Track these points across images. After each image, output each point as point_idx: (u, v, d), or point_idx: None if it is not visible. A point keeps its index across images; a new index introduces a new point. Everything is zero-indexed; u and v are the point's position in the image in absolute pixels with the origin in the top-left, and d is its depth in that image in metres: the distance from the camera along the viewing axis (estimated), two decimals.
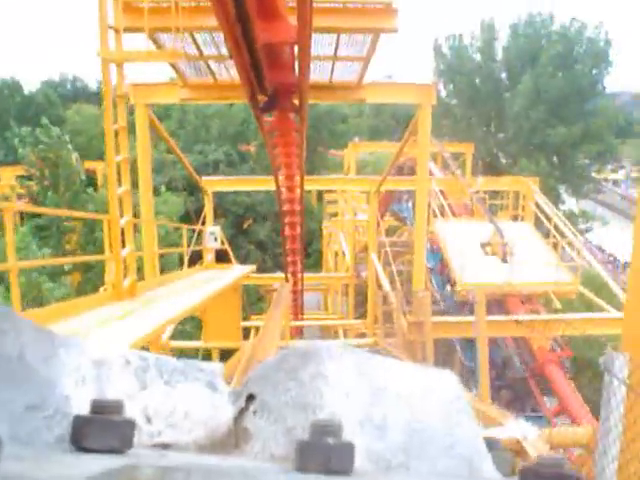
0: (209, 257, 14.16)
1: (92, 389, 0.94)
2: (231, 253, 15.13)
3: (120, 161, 8.02)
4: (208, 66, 10.29)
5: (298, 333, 29.00)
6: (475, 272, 14.47)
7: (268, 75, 8.62)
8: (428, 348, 12.01)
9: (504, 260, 15.35)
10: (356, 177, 18.86)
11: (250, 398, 1.05)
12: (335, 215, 40.86)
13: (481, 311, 12.26)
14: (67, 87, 73.04)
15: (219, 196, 36.83)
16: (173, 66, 10.29)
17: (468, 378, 13.92)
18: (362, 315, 36.06)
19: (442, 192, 19.99)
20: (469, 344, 14.31)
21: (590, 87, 33.20)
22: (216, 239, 13.77)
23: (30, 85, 64.46)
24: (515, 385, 14.72)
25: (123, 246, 8.02)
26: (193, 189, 35.99)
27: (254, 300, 32.48)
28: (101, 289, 10.26)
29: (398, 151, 14.26)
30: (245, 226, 36.62)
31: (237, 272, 12.90)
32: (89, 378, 0.95)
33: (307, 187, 17.37)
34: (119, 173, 8.07)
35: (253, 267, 15.17)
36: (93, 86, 78.73)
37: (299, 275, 21.73)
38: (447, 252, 15.66)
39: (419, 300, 12.13)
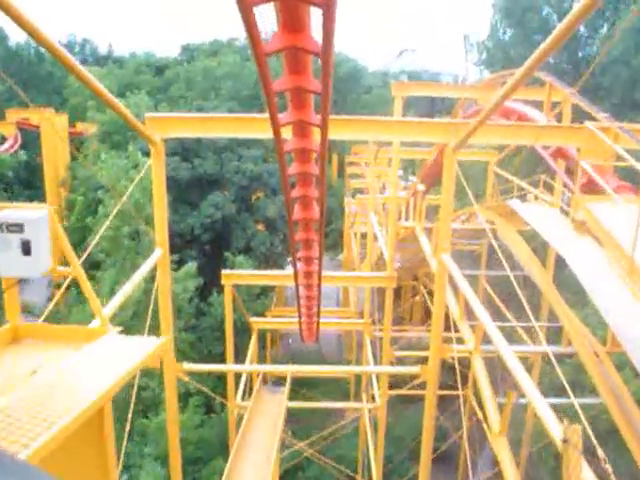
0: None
1: None
2: (90, 292, 5.74)
3: None
4: None
5: (311, 337, 20.78)
6: None
7: None
8: None
9: None
10: (420, 120, 10.16)
11: None
12: (360, 192, 32.31)
13: None
14: (75, 50, 64.34)
15: (220, 163, 28.32)
16: None
17: None
18: (398, 316, 27.66)
19: (559, 152, 11.31)
20: None
21: None
22: (27, 247, 4.53)
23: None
24: None
25: None
26: (189, 151, 27.36)
27: (256, 293, 23.85)
28: None
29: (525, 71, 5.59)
30: (253, 200, 27.92)
31: (111, 366, 3.64)
32: None
33: (335, 134, 8.79)
34: None
35: (161, 342, 5.61)
36: (103, 50, 70.36)
37: (315, 277, 13.30)
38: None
39: None
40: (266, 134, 8.29)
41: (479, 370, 9.67)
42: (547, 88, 12.88)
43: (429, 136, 9.58)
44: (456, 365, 13.37)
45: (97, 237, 8.56)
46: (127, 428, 9.22)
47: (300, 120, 6.77)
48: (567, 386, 6.89)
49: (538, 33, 24.65)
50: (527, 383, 7.17)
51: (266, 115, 6.80)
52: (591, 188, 9.20)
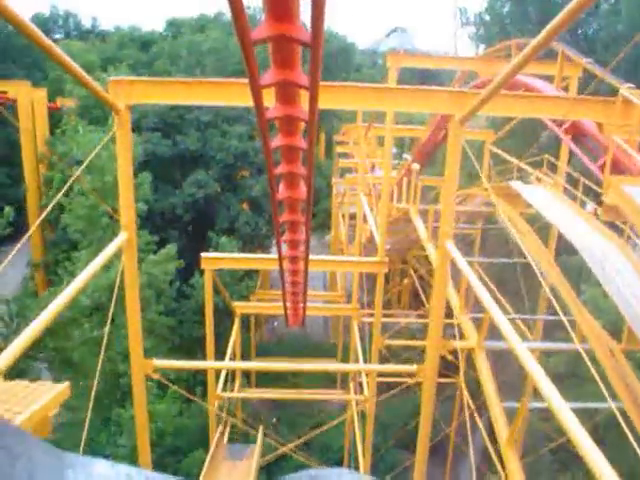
0: None
1: None
2: None
3: None
4: None
5: (297, 322, 19.60)
6: None
7: None
8: None
9: None
10: (423, 87, 8.76)
11: None
12: (348, 171, 31.06)
13: None
14: (59, 23, 61.78)
15: (203, 140, 26.86)
16: None
17: None
18: (385, 301, 26.45)
19: (574, 128, 10.17)
20: None
21: None
22: None
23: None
24: None
25: None
26: (170, 127, 25.83)
27: (239, 275, 22.50)
28: None
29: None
30: (237, 179, 26.51)
31: None
32: None
33: (326, 103, 7.55)
34: None
35: (56, 393, 4.74)
36: (87, 24, 67.47)
37: (301, 262, 12.10)
38: None
39: None
40: (245, 101, 7.04)
41: (483, 368, 8.59)
42: (560, 58, 11.64)
43: (432, 106, 8.35)
44: (452, 358, 12.31)
45: (45, 213, 7.27)
46: (87, 418, 7.89)
47: (285, 80, 5.51)
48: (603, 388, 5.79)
49: (534, 5, 23.26)
50: (547, 387, 6.04)
51: (245, 80, 5.54)
52: (613, 167, 8.07)
